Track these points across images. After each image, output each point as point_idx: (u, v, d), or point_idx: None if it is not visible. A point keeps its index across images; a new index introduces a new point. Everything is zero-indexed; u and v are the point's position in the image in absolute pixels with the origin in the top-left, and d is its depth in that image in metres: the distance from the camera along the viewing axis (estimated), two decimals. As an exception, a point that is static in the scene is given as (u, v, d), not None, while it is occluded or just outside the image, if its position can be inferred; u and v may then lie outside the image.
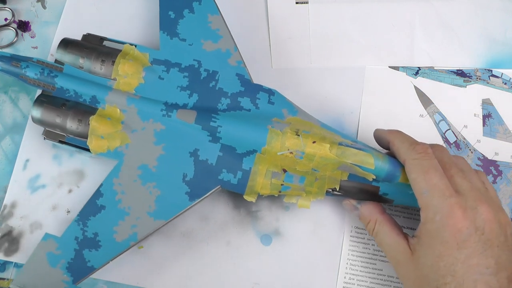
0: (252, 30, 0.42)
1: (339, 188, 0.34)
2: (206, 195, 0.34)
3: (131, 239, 0.33)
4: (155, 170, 0.35)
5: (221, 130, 0.34)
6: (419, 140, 0.33)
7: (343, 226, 0.38)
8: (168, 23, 0.38)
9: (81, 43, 0.38)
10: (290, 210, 0.38)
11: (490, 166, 0.40)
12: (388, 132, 0.34)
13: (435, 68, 0.42)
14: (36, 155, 0.39)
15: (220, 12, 0.38)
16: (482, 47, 0.43)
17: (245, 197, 0.34)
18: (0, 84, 0.41)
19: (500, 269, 0.28)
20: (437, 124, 0.41)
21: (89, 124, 0.35)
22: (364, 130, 0.40)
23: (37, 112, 0.36)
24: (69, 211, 0.38)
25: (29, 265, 0.34)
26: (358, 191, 0.34)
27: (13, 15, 0.42)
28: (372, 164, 0.32)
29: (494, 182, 0.40)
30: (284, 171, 0.34)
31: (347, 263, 0.38)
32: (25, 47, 0.42)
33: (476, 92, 0.42)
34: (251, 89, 0.36)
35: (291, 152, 0.33)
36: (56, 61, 0.37)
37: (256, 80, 0.37)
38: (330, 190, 0.34)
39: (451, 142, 0.41)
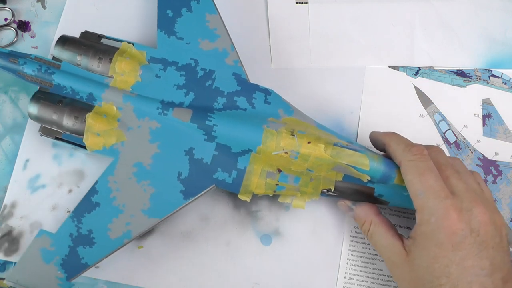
0: (252, 30, 0.42)
1: (334, 189, 0.34)
2: (201, 194, 0.34)
3: (125, 236, 0.34)
4: (150, 168, 0.35)
5: (216, 129, 0.34)
6: (419, 140, 0.33)
7: (343, 226, 0.38)
8: (166, 22, 0.38)
9: (79, 40, 0.38)
10: (290, 210, 0.38)
11: (490, 166, 0.40)
12: (384, 134, 0.34)
13: (435, 68, 0.42)
14: (36, 155, 0.39)
15: (218, 12, 0.38)
16: (482, 47, 0.43)
17: (239, 196, 0.34)
18: (0, 84, 0.41)
19: (495, 270, 0.28)
20: (437, 124, 0.41)
21: (85, 121, 0.35)
22: (364, 130, 0.40)
23: (34, 109, 0.36)
24: (69, 211, 0.38)
25: (23, 261, 0.34)
26: (353, 192, 0.34)
27: (13, 15, 0.42)
28: (367, 165, 0.32)
29: (494, 182, 0.40)
30: (279, 171, 0.34)
31: (347, 263, 0.38)
32: (25, 47, 0.42)
33: (476, 92, 0.42)
34: (248, 88, 0.36)
35: (286, 152, 0.33)
36: (53, 58, 0.37)
37: (256, 80, 0.37)
38: (325, 190, 0.34)
39: (451, 142, 0.41)
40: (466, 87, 0.42)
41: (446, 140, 0.41)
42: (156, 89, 0.36)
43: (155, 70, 0.37)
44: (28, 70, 0.37)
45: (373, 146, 0.36)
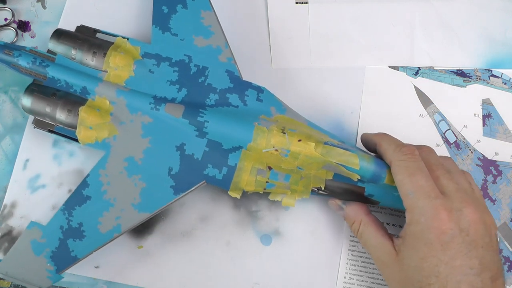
0: (252, 30, 0.42)
1: (325, 188, 0.34)
2: (191, 189, 0.34)
3: (115, 230, 0.34)
4: (141, 163, 0.35)
5: (208, 125, 0.34)
6: (419, 140, 0.33)
7: (343, 226, 0.38)
8: (160, 18, 0.38)
9: (74, 34, 0.38)
10: (290, 210, 0.38)
11: (490, 166, 0.40)
12: (375, 135, 0.35)
13: (435, 68, 0.42)
14: (36, 155, 0.39)
15: (213, 9, 0.38)
16: (482, 47, 0.43)
17: (229, 193, 0.35)
18: (0, 84, 0.41)
19: (484, 270, 0.28)
20: (437, 124, 0.41)
21: (78, 114, 0.35)
22: (364, 130, 0.40)
23: (27, 101, 0.36)
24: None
25: (13, 252, 0.34)
26: (344, 191, 0.34)
27: (13, 15, 0.42)
28: (357, 164, 0.32)
29: (494, 182, 0.40)
30: (269, 168, 0.34)
31: (347, 263, 0.38)
32: (25, 47, 0.42)
33: (476, 92, 0.42)
34: (240, 85, 0.36)
35: (276, 150, 0.33)
36: (48, 51, 0.37)
37: (256, 80, 0.37)
38: (316, 189, 0.35)
39: (451, 142, 0.41)
40: (466, 87, 0.42)
41: (446, 140, 0.41)
42: (149, 84, 0.36)
43: (148, 65, 0.37)
44: (23, 62, 0.37)
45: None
